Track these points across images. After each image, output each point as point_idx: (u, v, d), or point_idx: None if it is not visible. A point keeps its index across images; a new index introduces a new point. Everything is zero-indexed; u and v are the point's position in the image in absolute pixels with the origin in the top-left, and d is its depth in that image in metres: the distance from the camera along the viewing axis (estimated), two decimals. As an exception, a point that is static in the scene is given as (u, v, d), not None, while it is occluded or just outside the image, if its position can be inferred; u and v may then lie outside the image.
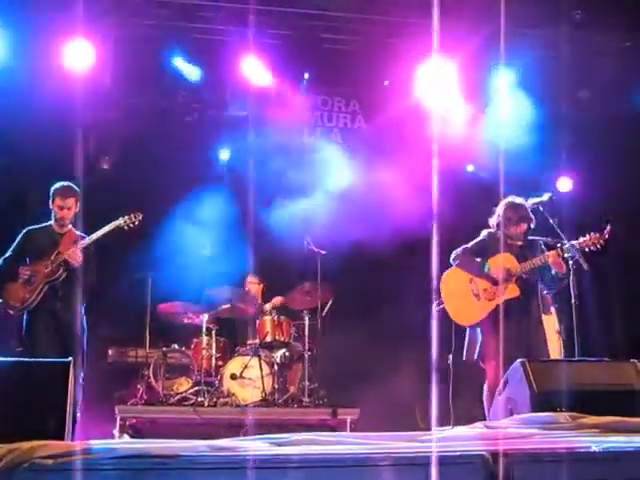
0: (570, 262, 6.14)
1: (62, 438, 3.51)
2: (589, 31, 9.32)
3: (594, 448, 3.42)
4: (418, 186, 9.55)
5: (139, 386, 7.99)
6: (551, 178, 9.99)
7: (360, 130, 10.43)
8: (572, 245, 6.11)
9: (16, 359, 4.16)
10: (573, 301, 6.18)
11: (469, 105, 9.77)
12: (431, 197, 9.48)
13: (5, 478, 2.88)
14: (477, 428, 4.02)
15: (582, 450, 3.42)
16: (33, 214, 8.43)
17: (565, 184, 10.09)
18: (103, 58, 8.71)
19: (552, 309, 8.32)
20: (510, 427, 4.02)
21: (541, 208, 6.38)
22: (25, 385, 3.69)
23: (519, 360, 4.96)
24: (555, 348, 7.80)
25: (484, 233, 6.58)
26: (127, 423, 7.45)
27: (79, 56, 8.48)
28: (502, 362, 5.89)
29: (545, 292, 8.10)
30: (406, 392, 8.59)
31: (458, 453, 3.32)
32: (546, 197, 6.39)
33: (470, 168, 10.28)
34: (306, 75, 9.87)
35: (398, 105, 9.81)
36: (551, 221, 6.30)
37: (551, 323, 8.18)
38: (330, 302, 8.59)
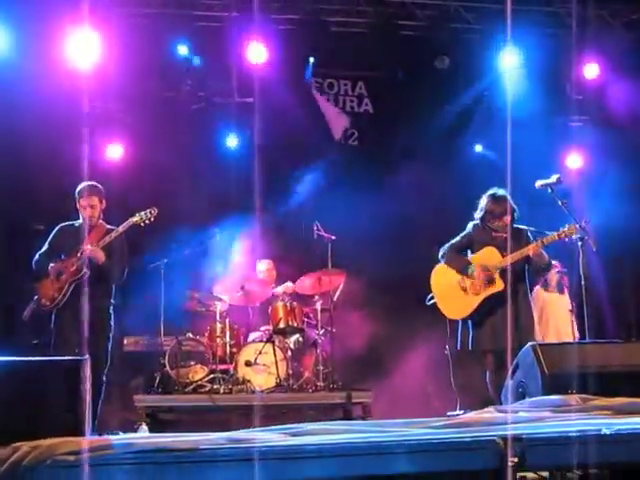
0: (579, 243, 6.23)
1: (82, 434, 3.58)
2: (596, 5, 9.30)
3: (605, 430, 3.46)
4: (427, 168, 9.62)
5: (155, 375, 8.07)
6: (561, 155, 9.99)
7: (367, 113, 10.45)
8: (544, 239, 6.31)
9: (34, 358, 4.19)
10: (582, 282, 6.25)
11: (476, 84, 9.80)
12: (440, 179, 9.58)
13: (28, 475, 2.94)
14: (488, 413, 4.06)
15: (593, 433, 3.46)
16: (43, 209, 8.53)
17: (575, 161, 10.08)
18: (108, 48, 8.73)
19: (565, 289, 8.41)
20: (521, 411, 4.07)
21: (549, 190, 6.41)
22: (42, 383, 3.75)
23: (530, 343, 5.01)
24: (568, 326, 7.88)
25: (470, 226, 6.73)
26: (145, 412, 7.53)
27: (84, 46, 8.48)
28: (496, 351, 6.19)
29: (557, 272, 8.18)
30: (419, 374, 8.66)
31: (470, 439, 3.37)
32: (554, 178, 6.41)
33: (478, 148, 10.28)
34: (311, 59, 9.85)
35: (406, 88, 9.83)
36: (560, 203, 6.33)
37: (564, 302, 8.25)
38: (341, 287, 8.62)
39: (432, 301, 6.77)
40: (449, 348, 7.28)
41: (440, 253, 6.74)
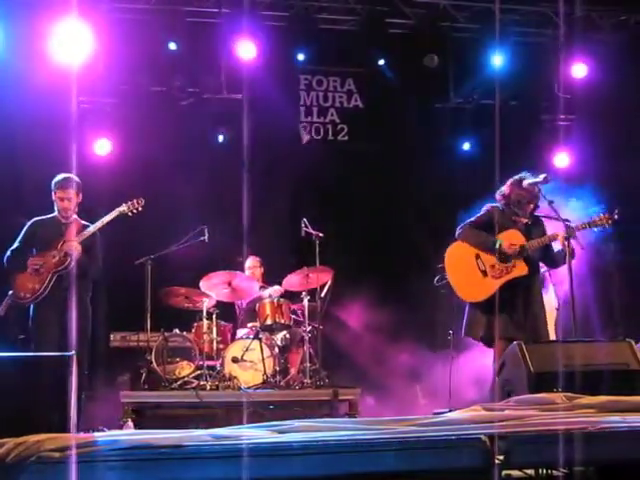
0: (565, 243, 6.18)
1: (67, 431, 3.56)
2: (585, 6, 9.34)
3: (590, 428, 3.49)
4: (415, 163, 9.65)
5: (142, 371, 8.03)
6: (548, 154, 10.02)
7: (356, 109, 10.46)
8: (576, 226, 6.18)
9: (20, 354, 4.17)
10: (569, 280, 6.22)
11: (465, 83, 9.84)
12: (427, 174, 9.62)
13: (14, 471, 2.94)
14: (474, 411, 4.08)
15: (578, 430, 3.48)
16: (29, 203, 8.49)
17: (562, 160, 10.12)
18: (97, 42, 8.69)
19: (550, 286, 8.40)
20: (507, 409, 4.09)
21: (537, 189, 6.37)
22: (29, 379, 3.73)
23: (515, 342, 5.03)
24: (551, 324, 7.90)
25: (488, 207, 6.53)
26: (131, 408, 7.50)
27: (73, 40, 8.43)
28: (509, 340, 5.88)
29: (543, 270, 8.18)
30: (407, 370, 8.67)
31: (456, 437, 3.39)
32: (541, 177, 6.38)
33: (466, 146, 10.30)
34: (300, 56, 9.84)
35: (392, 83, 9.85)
36: (547, 202, 6.32)
37: (550, 300, 8.26)
38: (329, 284, 8.62)
39: (443, 281, 6.56)
40: (452, 335, 7.14)
41: (457, 231, 6.48)
